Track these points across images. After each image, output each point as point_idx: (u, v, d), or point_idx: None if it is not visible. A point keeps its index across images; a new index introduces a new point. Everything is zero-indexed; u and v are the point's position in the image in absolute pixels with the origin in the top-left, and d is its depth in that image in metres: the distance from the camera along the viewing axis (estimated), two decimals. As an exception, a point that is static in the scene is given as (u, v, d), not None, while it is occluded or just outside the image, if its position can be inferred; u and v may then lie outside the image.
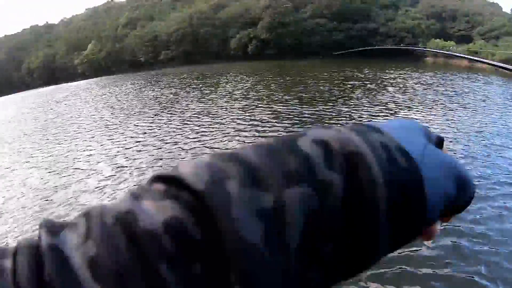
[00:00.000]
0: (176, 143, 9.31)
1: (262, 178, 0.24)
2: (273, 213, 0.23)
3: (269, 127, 9.94)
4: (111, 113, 16.41)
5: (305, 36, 43.37)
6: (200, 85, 23.06)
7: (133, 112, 15.79)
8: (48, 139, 12.84)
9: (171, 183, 0.24)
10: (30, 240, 0.22)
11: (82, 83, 50.21)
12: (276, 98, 14.69)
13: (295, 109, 12.14)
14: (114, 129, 12.61)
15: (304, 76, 22.70)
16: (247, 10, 47.70)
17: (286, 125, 9.97)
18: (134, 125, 12.62)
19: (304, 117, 10.81)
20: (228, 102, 15.15)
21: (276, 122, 10.45)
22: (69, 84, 54.63)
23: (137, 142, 9.97)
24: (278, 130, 9.48)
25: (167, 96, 19.56)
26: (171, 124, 11.90)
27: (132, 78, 41.03)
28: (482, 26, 46.32)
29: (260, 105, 13.38)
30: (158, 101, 18.11)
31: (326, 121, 9.98)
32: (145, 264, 0.20)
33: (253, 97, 15.91)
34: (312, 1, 46.61)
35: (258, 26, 43.95)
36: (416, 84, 17.61)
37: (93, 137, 11.73)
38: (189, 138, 9.66)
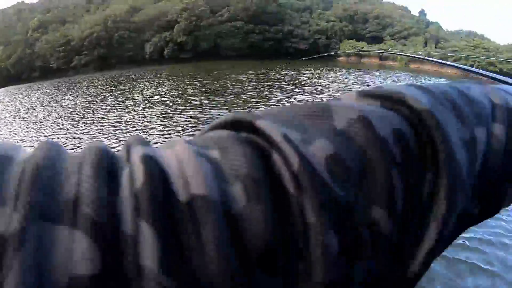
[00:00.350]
0: None
1: (462, 114, 0.27)
2: (470, 145, 0.26)
3: (188, 132, 10.11)
4: (24, 126, 15.50)
5: (222, 39, 44.42)
6: (116, 92, 22.91)
7: (47, 123, 15.12)
8: None
9: (394, 101, 0.26)
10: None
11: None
12: (195, 103, 14.93)
13: (214, 113, 12.31)
14: (28, 144, 11.91)
15: (221, 78, 23.28)
16: (163, 13, 47.71)
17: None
18: (50, 137, 12.04)
19: None
20: (146, 108, 15.18)
21: (195, 127, 10.62)
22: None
23: None
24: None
25: (82, 105, 19.18)
26: (89, 134, 11.80)
27: (43, 87, 39.29)
28: (392, 28, 50.31)
29: (178, 110, 13.55)
30: (74, 111, 17.74)
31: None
32: (381, 167, 0.22)
33: (171, 102, 15.92)
34: (229, 4, 47.76)
35: (175, 29, 44.29)
36: (332, 83, 18.78)
37: None
38: (112, 148, 9.37)
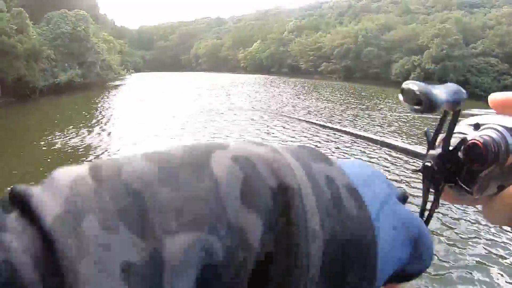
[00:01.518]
0: None
1: (140, 216, 0.18)
2: (145, 271, 0.17)
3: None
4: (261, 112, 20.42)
5: (472, 75, 44.70)
6: (358, 106, 25.50)
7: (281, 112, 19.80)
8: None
9: (24, 207, 0.18)
10: None
11: (245, 76, 61.60)
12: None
13: None
14: (259, 124, 16.25)
15: None
16: (415, 36, 51.48)
17: None
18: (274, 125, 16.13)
19: None
20: (381, 129, 16.47)
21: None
22: (232, 75, 67.10)
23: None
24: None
25: (322, 109, 22.38)
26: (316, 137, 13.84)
27: (290, 82, 49.66)
28: None
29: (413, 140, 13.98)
30: (313, 111, 21.16)
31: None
32: None
33: (408, 132, 16.67)
34: (484, 36, 48.47)
35: (424, 55, 47.67)
36: None
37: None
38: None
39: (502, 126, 0.40)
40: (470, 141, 0.39)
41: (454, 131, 0.40)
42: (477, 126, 0.42)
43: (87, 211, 0.17)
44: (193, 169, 0.20)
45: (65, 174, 0.19)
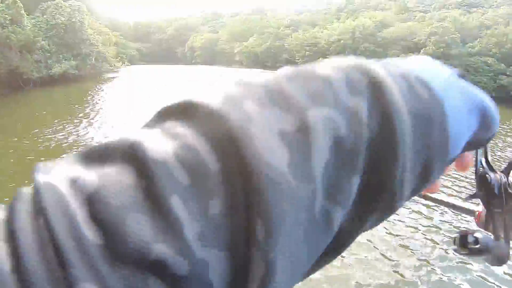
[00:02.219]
0: None
1: (283, 97, 0.24)
2: (297, 136, 0.23)
3: None
4: None
5: (469, 74, 44.24)
6: None
7: None
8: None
9: (182, 110, 0.24)
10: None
11: (241, 70, 61.59)
12: None
13: None
14: None
15: None
16: (411, 34, 51.74)
17: None
18: None
19: None
20: None
21: None
22: (228, 68, 66.93)
23: None
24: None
25: None
26: None
27: None
28: None
29: None
30: None
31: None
32: (155, 199, 0.19)
33: None
34: (481, 36, 48.50)
35: (421, 53, 47.66)
36: None
37: None
38: None
39: None
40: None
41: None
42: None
43: (245, 97, 0.24)
44: (307, 74, 0.28)
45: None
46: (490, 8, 58.47)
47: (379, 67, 0.29)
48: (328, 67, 0.28)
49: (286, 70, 0.29)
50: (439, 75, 0.34)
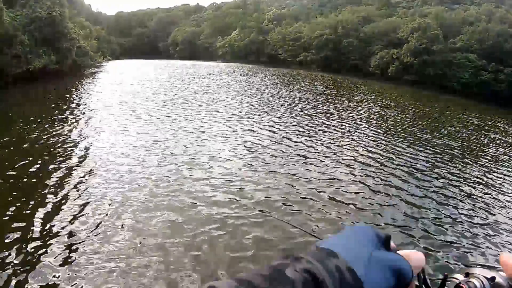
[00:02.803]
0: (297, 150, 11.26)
1: None
2: None
3: (392, 156, 11.44)
4: (238, 94, 21.68)
5: (451, 70, 44.72)
6: (336, 97, 26.27)
7: (261, 103, 20.15)
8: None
9: None
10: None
11: (222, 64, 60.32)
12: (408, 131, 16.12)
13: (420, 152, 12.45)
14: (243, 117, 16.14)
15: (445, 115, 23.27)
16: (394, 29, 51.27)
17: (399, 163, 10.78)
18: (267, 114, 16.52)
19: (425, 168, 10.80)
20: (357, 121, 17.09)
21: (397, 154, 11.80)
22: (209, 63, 65.56)
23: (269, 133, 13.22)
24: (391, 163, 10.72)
25: (302, 99, 22.86)
26: (296, 126, 14.58)
27: (269, 71, 48.65)
28: None
29: (391, 134, 15.02)
30: (293, 101, 21.54)
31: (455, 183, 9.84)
32: None
33: (383, 123, 17.43)
34: (463, 32, 48.41)
35: (403, 48, 47.32)
36: None
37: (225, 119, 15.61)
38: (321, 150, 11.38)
39: (485, 277, 0.62)
40: (459, 284, 0.63)
41: (453, 276, 0.66)
42: (467, 275, 0.65)
43: None
44: (272, 277, 0.41)
45: None
46: (472, 5, 58.55)
47: (321, 267, 0.43)
48: (290, 269, 0.42)
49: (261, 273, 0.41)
50: (363, 256, 0.46)
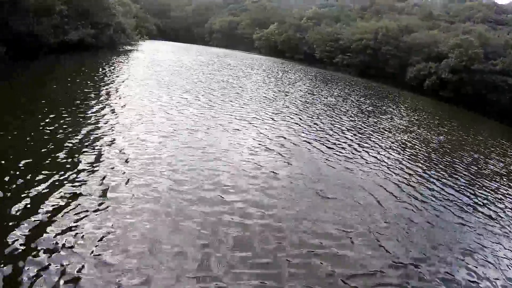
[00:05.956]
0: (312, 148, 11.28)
1: None
2: None
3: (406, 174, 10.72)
4: (282, 97, 20.92)
5: (488, 91, 43.69)
6: (370, 101, 26.80)
7: (297, 100, 20.24)
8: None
9: None
10: None
11: (258, 57, 60.94)
12: (430, 150, 14.94)
13: (438, 181, 10.92)
14: (277, 110, 16.58)
15: (475, 141, 20.80)
16: (435, 43, 50.75)
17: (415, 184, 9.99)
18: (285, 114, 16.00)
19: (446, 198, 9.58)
20: (387, 131, 16.93)
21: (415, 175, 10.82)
22: (245, 54, 66.34)
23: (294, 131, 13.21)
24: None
25: (333, 101, 22.77)
26: (318, 126, 14.59)
27: (304, 69, 49.31)
28: None
29: (417, 150, 14.34)
30: (325, 103, 21.49)
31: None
32: None
33: (416, 138, 16.77)
34: (505, 55, 47.62)
35: (442, 63, 47.05)
36: None
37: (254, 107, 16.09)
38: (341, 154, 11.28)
39: None
40: None
41: None
42: None
43: None
44: None
45: None
46: (516, 28, 57.91)
47: None
48: None
49: None
50: None
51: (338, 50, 60.36)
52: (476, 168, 13.86)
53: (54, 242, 4.78)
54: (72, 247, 4.73)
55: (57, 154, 7.57)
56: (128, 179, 6.89)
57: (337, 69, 58.74)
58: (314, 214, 6.97)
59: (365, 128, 16.50)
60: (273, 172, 8.69)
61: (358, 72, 56.32)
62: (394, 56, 53.53)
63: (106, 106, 12.16)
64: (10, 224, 4.98)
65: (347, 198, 8.07)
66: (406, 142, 15.44)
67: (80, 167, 7.11)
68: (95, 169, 7.13)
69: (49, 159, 7.32)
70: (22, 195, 5.69)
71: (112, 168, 7.30)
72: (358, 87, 38.77)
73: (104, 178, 6.78)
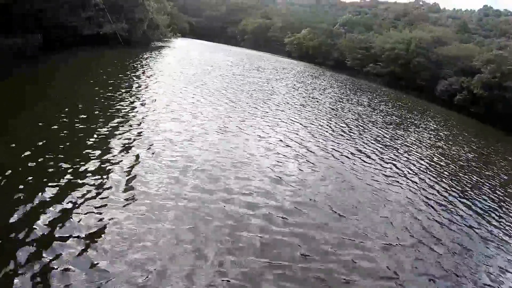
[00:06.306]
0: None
1: None
2: None
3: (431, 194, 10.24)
4: (294, 95, 21.53)
5: None
6: (398, 113, 26.72)
7: (323, 108, 20.02)
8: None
9: None
10: None
11: (289, 60, 61.70)
12: (459, 170, 14.37)
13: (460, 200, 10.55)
14: (308, 115, 16.69)
15: (504, 162, 19.96)
16: (468, 57, 50.09)
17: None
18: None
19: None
20: (414, 144, 16.68)
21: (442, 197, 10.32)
22: (276, 56, 67.33)
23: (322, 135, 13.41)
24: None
25: (359, 112, 22.24)
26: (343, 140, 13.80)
27: (334, 76, 49.45)
28: None
29: (441, 168, 13.80)
30: (353, 111, 21.74)
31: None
32: None
33: (441, 152, 16.68)
34: None
35: (474, 78, 46.76)
36: None
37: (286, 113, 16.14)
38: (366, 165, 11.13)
39: None
40: None
41: None
42: None
43: None
44: None
45: None
46: (553, 45, 57.05)
47: None
48: None
49: None
50: None
51: (369, 59, 60.61)
52: (503, 191, 13.34)
53: (78, 230, 5.01)
54: (93, 236, 4.96)
55: (86, 142, 7.89)
56: (154, 175, 7.05)
57: (367, 77, 59.03)
58: (336, 224, 7.03)
59: (392, 140, 16.38)
60: (299, 179, 8.68)
61: (387, 82, 56.50)
62: (425, 68, 53.50)
63: (136, 100, 12.51)
64: (38, 211, 5.21)
65: (372, 211, 8.09)
66: (433, 157, 15.23)
67: (106, 158, 7.33)
68: (123, 162, 7.30)
69: (78, 147, 7.62)
70: (51, 183, 5.97)
71: (139, 162, 7.49)
72: (387, 97, 38.99)
73: (130, 172, 6.95)
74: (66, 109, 9.85)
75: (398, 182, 10.54)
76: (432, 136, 20.97)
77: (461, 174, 13.90)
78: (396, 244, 6.89)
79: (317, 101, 22.28)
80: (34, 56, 18.02)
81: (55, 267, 4.28)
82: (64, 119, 9.03)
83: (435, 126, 26.21)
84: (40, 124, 8.51)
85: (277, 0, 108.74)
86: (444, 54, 53.28)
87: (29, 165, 6.42)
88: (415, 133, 20.26)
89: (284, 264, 5.39)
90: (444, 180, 12.21)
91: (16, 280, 3.96)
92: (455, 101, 47.47)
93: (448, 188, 11.43)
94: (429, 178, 11.82)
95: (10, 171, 6.06)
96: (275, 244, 5.79)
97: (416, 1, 74.24)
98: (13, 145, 7.12)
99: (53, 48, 20.93)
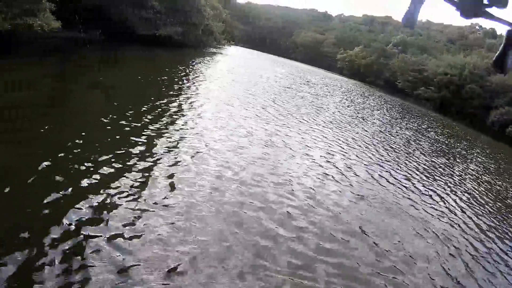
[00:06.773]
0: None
1: None
2: None
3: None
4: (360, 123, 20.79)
5: None
6: (447, 140, 25.88)
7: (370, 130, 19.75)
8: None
9: None
10: None
11: (339, 77, 62.93)
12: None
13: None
14: (350, 134, 16.46)
15: None
16: None
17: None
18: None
19: None
20: (459, 176, 15.78)
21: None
22: (327, 72, 68.94)
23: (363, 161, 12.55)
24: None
25: (412, 134, 22.64)
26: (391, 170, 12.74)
27: (384, 98, 49.61)
28: None
29: (484, 203, 12.81)
30: (401, 135, 21.40)
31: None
32: None
33: (487, 187, 15.54)
34: None
35: None
36: None
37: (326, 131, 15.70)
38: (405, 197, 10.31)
39: None
40: None
41: None
42: None
43: None
44: None
45: None
46: None
47: None
48: None
49: None
50: None
51: (421, 82, 60.79)
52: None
53: (108, 230, 5.00)
54: (124, 237, 4.95)
55: (130, 139, 8.12)
56: (194, 181, 7.09)
57: (416, 101, 59.19)
58: (371, 255, 6.64)
59: (436, 169, 15.80)
60: (340, 203, 8.44)
61: (437, 108, 56.35)
62: (478, 95, 53.26)
63: (183, 104, 12.85)
64: (83, 196, 5.48)
65: (405, 242, 7.69)
66: (477, 191, 14.40)
67: (148, 158, 7.47)
68: (163, 165, 7.40)
69: (120, 143, 7.84)
70: (88, 176, 6.10)
71: (181, 166, 7.58)
72: (436, 123, 38.78)
73: (169, 175, 7.02)
74: (115, 103, 10.67)
75: (438, 213, 10.12)
76: (480, 169, 20.16)
77: (506, 213, 12.97)
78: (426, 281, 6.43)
79: (366, 122, 22.35)
80: (91, 50, 19.91)
81: (79, 264, 4.22)
82: (113, 115, 9.42)
83: (483, 158, 25.00)
84: (87, 114, 9.27)
85: (332, 16, 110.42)
86: (498, 82, 52.62)
87: (69, 156, 6.60)
88: (462, 164, 19.61)
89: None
90: (487, 217, 11.46)
91: (46, 271, 3.97)
92: (507, 132, 46.29)
93: (490, 225, 10.71)
94: (470, 213, 11.25)
95: (48, 161, 6.24)
96: (307, 267, 5.54)
97: (472, 25, 73.70)
98: (59, 131, 7.70)
99: (110, 44, 22.66)
